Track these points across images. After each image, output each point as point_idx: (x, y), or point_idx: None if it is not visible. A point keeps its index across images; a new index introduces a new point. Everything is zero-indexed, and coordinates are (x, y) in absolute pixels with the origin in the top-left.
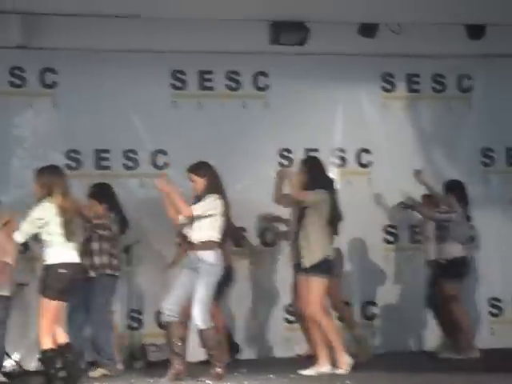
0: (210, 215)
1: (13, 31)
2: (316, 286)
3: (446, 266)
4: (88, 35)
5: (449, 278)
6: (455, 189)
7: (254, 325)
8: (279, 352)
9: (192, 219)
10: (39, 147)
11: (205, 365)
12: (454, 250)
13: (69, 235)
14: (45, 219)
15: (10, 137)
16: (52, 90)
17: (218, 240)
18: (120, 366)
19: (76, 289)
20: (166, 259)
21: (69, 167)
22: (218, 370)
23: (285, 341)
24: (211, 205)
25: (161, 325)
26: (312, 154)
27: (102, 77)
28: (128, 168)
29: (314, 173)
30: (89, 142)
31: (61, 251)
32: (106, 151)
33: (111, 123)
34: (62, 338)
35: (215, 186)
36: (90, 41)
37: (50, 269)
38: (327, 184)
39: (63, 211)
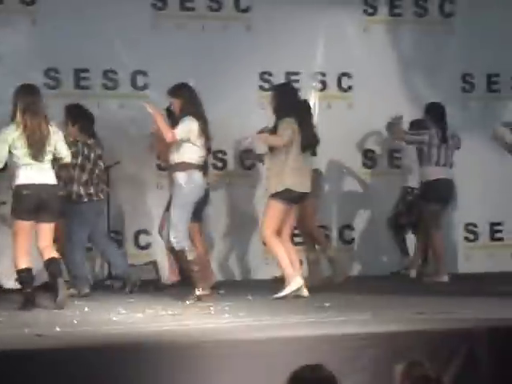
0: (187, 137)
1: None
2: (271, 209)
3: (423, 189)
4: None
5: (426, 201)
6: (431, 110)
7: (233, 247)
8: (258, 274)
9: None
10: (18, 65)
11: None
12: (431, 172)
13: (38, 156)
14: (9, 140)
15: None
16: (32, 7)
17: (193, 161)
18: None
19: (54, 208)
20: (144, 181)
21: (48, 86)
22: (198, 291)
23: (263, 263)
24: (188, 127)
25: (172, 250)
26: (290, 78)
27: None
28: (108, 88)
29: (284, 99)
30: (68, 61)
31: (26, 172)
32: (86, 70)
33: (91, 43)
34: (48, 253)
35: (192, 107)
36: None
37: (16, 190)
38: (298, 109)
39: (32, 131)
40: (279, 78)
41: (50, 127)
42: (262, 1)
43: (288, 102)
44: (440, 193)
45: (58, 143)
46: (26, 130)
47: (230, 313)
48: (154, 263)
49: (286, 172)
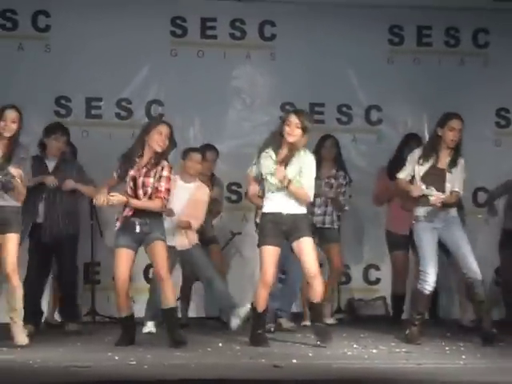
0: None
1: None
2: None
3: None
4: None
5: None
6: None
7: None
8: None
9: None
10: (256, 99)
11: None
12: None
13: None
14: None
15: (228, 88)
16: (271, 42)
17: None
18: None
19: None
20: None
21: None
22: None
23: None
24: None
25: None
26: None
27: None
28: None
29: None
30: (304, 96)
31: None
32: (321, 105)
33: (326, 78)
34: None
35: None
36: None
37: None
38: None
39: None
40: None
41: None
42: (500, 37)
43: None
44: None
45: None
46: None
47: (466, 354)
48: (384, 299)
49: None
